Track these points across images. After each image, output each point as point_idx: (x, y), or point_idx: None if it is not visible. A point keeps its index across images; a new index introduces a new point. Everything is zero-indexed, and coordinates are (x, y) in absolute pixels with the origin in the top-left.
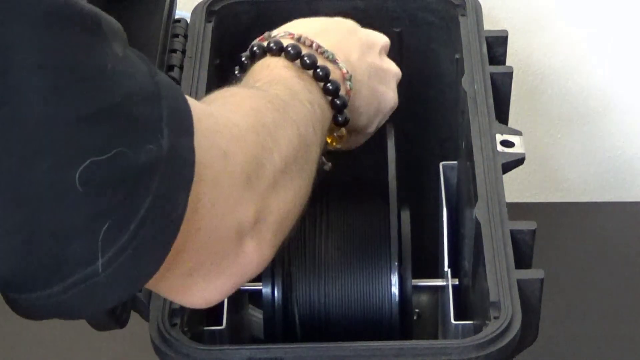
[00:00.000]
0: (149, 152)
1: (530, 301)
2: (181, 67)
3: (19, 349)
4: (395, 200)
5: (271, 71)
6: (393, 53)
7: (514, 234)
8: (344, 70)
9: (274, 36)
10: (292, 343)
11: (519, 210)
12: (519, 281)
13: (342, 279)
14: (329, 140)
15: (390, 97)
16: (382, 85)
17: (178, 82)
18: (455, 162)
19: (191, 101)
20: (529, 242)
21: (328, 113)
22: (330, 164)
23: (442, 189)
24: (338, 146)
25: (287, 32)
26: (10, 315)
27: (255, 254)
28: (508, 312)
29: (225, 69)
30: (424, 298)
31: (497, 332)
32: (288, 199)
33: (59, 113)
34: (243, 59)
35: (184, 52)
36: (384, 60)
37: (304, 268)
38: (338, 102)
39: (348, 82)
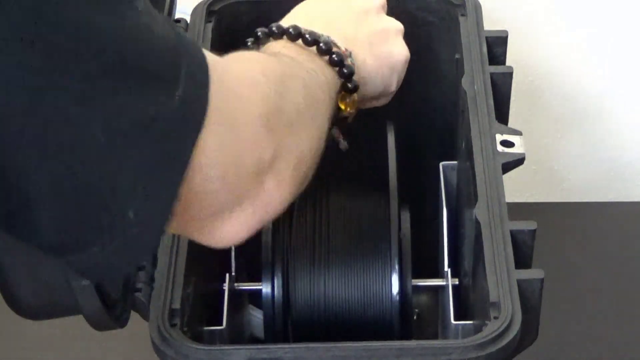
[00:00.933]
0: (162, 104)
1: (530, 301)
2: None
3: (19, 349)
4: (396, 200)
5: (275, 48)
6: None
7: (514, 234)
8: (343, 49)
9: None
10: (292, 343)
11: (519, 210)
12: (519, 281)
13: (342, 279)
14: (342, 107)
15: (398, 52)
16: (387, 45)
17: None
18: (455, 162)
19: (206, 52)
20: (529, 242)
21: (336, 80)
22: (346, 143)
23: (442, 189)
24: (353, 111)
25: (280, 25)
26: (11, 315)
27: (276, 191)
28: (508, 312)
29: None
30: (424, 298)
31: (497, 332)
32: (304, 141)
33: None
34: (249, 44)
35: None
36: (382, 20)
37: (304, 268)
38: (345, 70)
39: (349, 59)
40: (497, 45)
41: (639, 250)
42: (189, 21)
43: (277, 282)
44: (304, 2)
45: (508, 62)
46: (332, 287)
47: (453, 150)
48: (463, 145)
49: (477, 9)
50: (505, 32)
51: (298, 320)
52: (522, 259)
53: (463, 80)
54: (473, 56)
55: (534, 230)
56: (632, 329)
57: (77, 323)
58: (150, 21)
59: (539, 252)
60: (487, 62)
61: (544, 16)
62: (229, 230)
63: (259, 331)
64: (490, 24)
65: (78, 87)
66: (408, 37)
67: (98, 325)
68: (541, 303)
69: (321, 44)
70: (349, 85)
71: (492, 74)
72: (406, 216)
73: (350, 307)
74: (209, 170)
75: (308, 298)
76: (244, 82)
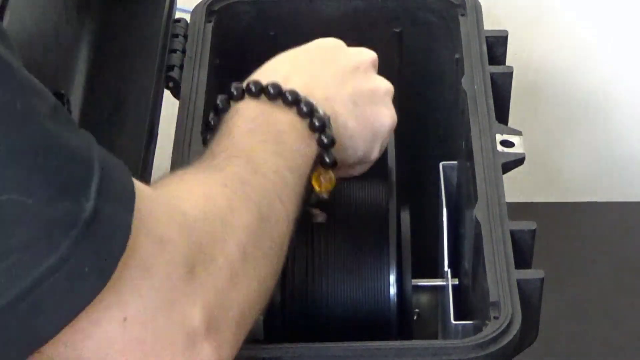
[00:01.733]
0: (66, 210)
1: (530, 301)
2: (181, 67)
3: None
4: (395, 200)
5: (239, 130)
6: (393, 53)
7: (514, 234)
8: (321, 113)
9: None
10: (292, 343)
11: (519, 210)
12: (519, 281)
13: (342, 278)
14: (316, 187)
15: (384, 115)
16: (373, 106)
17: (178, 82)
18: (455, 162)
19: (137, 184)
20: (529, 242)
21: (312, 150)
22: (325, 214)
23: (442, 189)
24: (326, 194)
25: (256, 80)
26: None
27: (214, 357)
28: (508, 312)
29: (225, 69)
30: (424, 298)
31: (497, 332)
32: (252, 288)
33: None
34: (218, 102)
35: (184, 52)
36: (371, 79)
37: (304, 268)
38: (325, 139)
39: (328, 127)
40: (497, 45)
41: (639, 250)
42: (188, 20)
43: (277, 281)
44: (288, 51)
45: (508, 62)
46: (332, 286)
47: (453, 150)
48: (463, 145)
49: (477, 8)
50: (505, 32)
51: (298, 320)
52: (522, 259)
53: (463, 80)
54: (473, 56)
55: (534, 230)
56: (632, 329)
57: None
58: (54, 126)
59: (539, 252)
60: (487, 62)
61: (544, 16)
62: None
63: (259, 331)
64: (490, 24)
65: None
66: (408, 37)
67: None
68: (541, 303)
69: (302, 105)
70: (327, 158)
71: (492, 74)
72: (406, 216)
73: (350, 307)
74: (114, 314)
75: (308, 298)
76: (173, 223)
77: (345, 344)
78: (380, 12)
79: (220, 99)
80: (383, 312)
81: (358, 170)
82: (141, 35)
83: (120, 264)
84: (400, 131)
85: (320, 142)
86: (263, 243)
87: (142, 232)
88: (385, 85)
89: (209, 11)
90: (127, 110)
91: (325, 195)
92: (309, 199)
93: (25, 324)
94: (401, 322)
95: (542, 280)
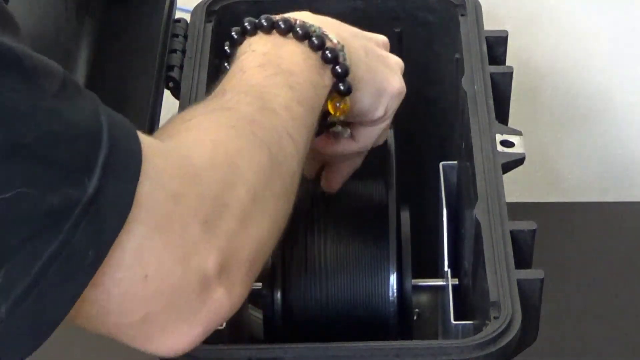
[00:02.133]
0: (66, 196)
1: (530, 301)
2: (181, 67)
3: None
4: (395, 200)
5: (249, 65)
6: (393, 53)
7: (514, 234)
8: (335, 42)
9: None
10: (292, 343)
11: (519, 210)
12: (519, 281)
13: (342, 278)
14: (331, 111)
15: (393, 78)
16: (383, 66)
17: (178, 82)
18: (455, 162)
19: (144, 139)
20: (529, 242)
21: (327, 81)
22: (349, 130)
23: (442, 189)
24: (342, 117)
25: (268, 15)
26: None
27: (226, 298)
28: (508, 312)
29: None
30: (424, 298)
31: (497, 332)
32: (263, 228)
33: None
34: (233, 33)
35: (184, 52)
36: (383, 50)
37: (304, 268)
38: (339, 69)
39: (341, 53)
40: (497, 45)
41: (639, 250)
42: (188, 20)
43: (277, 282)
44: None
45: (508, 62)
46: (332, 286)
47: (453, 150)
48: (463, 145)
49: (477, 9)
50: (505, 32)
51: (298, 320)
52: (522, 259)
53: (463, 80)
54: (473, 56)
55: (534, 230)
56: (632, 329)
57: None
58: (61, 106)
59: (539, 252)
60: (487, 62)
61: (544, 16)
62: (166, 342)
63: (259, 331)
64: (490, 24)
65: None
66: (408, 37)
67: None
68: (541, 303)
69: (313, 38)
70: (342, 86)
71: (492, 74)
72: (406, 216)
73: (350, 306)
74: (131, 274)
75: (308, 298)
76: (184, 175)
77: (345, 344)
78: (380, 12)
79: (235, 31)
80: (383, 312)
81: (363, 136)
82: (141, 35)
83: (138, 223)
84: (401, 131)
85: (334, 72)
86: (273, 183)
87: (156, 188)
88: (396, 58)
89: (209, 11)
90: (127, 110)
91: (341, 118)
92: (324, 124)
93: (33, 316)
94: (401, 322)
95: (542, 280)
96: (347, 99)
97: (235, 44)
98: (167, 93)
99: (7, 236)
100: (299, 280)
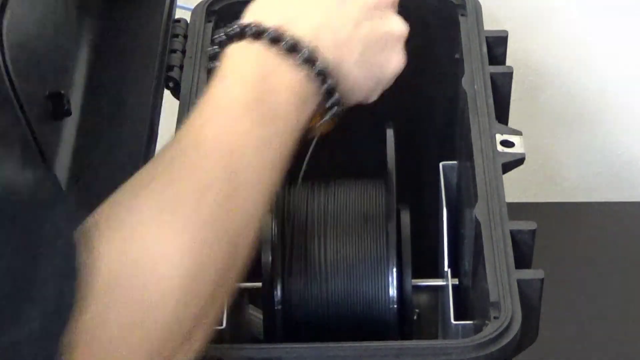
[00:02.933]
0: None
1: (530, 301)
2: (181, 67)
3: None
4: (395, 200)
5: (226, 102)
6: None
7: (514, 234)
8: (329, 59)
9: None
10: (292, 343)
11: (519, 210)
12: (519, 281)
13: (342, 278)
14: (312, 130)
15: (391, 62)
16: (382, 52)
17: (178, 82)
18: (455, 162)
19: (104, 260)
20: (529, 242)
21: (312, 93)
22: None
23: (442, 189)
24: (323, 131)
25: (258, 22)
26: None
27: None
28: (508, 312)
29: None
30: (424, 298)
31: (497, 332)
32: (222, 301)
33: None
34: (215, 47)
35: (184, 52)
36: (387, 20)
37: (304, 268)
38: (327, 86)
39: (330, 75)
40: (497, 45)
41: (639, 250)
42: (188, 20)
43: (277, 282)
44: None
45: (508, 62)
46: (332, 286)
47: (453, 150)
48: (463, 145)
49: (477, 9)
50: (505, 32)
51: (298, 320)
52: (522, 259)
53: (463, 80)
54: (473, 56)
55: (534, 230)
56: (632, 329)
57: None
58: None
59: (539, 252)
60: (487, 62)
61: (544, 16)
62: None
63: (259, 331)
64: (490, 24)
65: None
66: (408, 37)
67: None
68: (541, 303)
69: (304, 51)
70: (326, 104)
71: (492, 74)
72: (406, 216)
73: (350, 307)
74: None
75: (308, 298)
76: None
77: (345, 344)
78: None
79: (211, 52)
80: (383, 312)
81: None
82: (141, 35)
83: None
84: (401, 131)
85: (319, 90)
86: (234, 263)
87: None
88: (399, 29)
89: (209, 11)
90: (127, 110)
91: (322, 131)
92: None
93: None
94: (401, 322)
95: (542, 280)
96: (330, 120)
97: (216, 59)
98: (167, 93)
99: None
100: (299, 280)
